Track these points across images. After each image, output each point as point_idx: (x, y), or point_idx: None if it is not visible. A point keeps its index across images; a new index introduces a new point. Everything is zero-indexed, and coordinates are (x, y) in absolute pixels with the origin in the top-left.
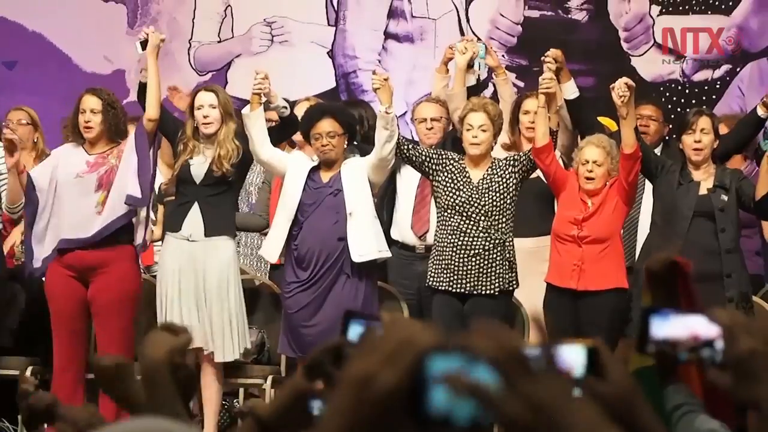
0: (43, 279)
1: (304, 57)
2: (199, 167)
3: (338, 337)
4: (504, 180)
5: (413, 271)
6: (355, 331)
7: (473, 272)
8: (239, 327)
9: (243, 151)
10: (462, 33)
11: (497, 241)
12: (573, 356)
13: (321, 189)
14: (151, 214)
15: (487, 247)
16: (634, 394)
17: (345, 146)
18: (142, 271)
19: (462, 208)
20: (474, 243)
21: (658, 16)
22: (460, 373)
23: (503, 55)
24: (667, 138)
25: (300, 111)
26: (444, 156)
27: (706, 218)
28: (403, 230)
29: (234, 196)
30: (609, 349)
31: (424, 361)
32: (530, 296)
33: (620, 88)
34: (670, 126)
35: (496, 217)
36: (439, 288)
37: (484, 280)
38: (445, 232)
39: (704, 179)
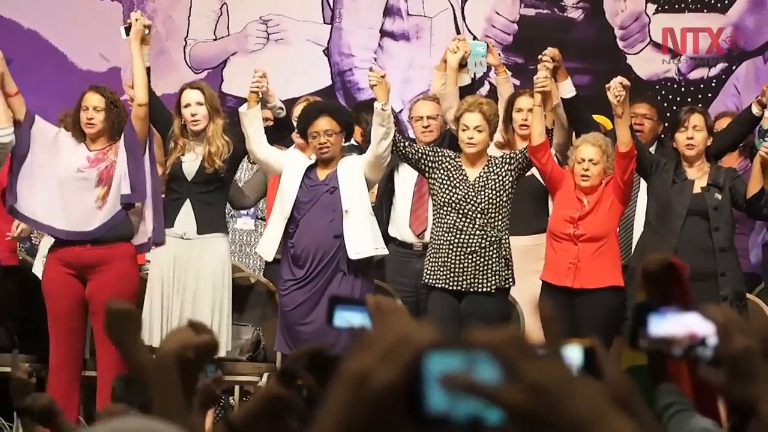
0: (40, 278)
1: (299, 55)
2: (190, 164)
3: (327, 328)
4: (500, 178)
5: (411, 268)
6: (341, 318)
7: (470, 270)
8: (228, 324)
9: (233, 147)
10: (458, 31)
11: (493, 239)
12: (569, 355)
13: (317, 187)
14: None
15: (483, 245)
16: (631, 393)
17: (342, 144)
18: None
19: (458, 206)
20: (470, 240)
21: (653, 14)
22: (458, 374)
23: (499, 53)
24: (662, 136)
25: (298, 110)
26: (440, 153)
27: (700, 217)
28: (401, 228)
29: (225, 193)
30: (605, 347)
31: (422, 358)
32: (525, 294)
33: (616, 88)
34: (665, 124)
35: (493, 215)
36: (436, 285)
37: (480, 277)
38: (441, 229)
39: (698, 177)
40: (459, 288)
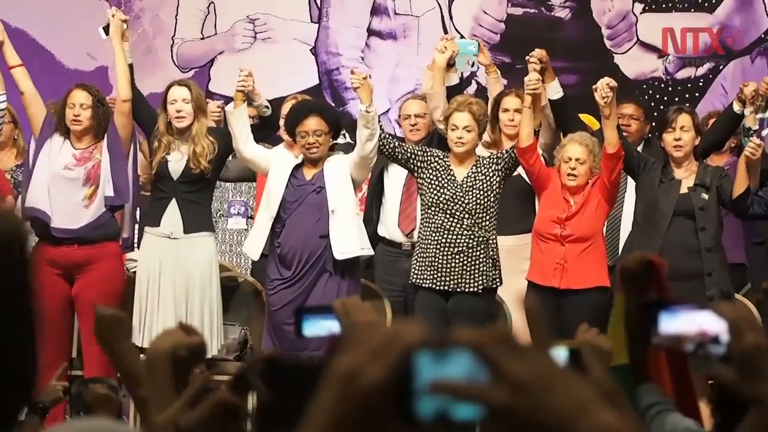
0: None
1: (287, 54)
2: (176, 164)
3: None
4: (488, 178)
5: (399, 268)
6: (309, 328)
7: (457, 270)
8: (219, 323)
9: (218, 147)
10: (445, 30)
11: (481, 239)
12: (555, 356)
13: (304, 186)
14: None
15: (470, 245)
16: (616, 392)
17: (337, 143)
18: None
19: (446, 206)
20: (458, 240)
21: (641, 13)
22: (444, 377)
23: None
24: (649, 136)
25: (286, 109)
26: (429, 153)
27: (687, 217)
28: (390, 227)
29: (211, 192)
30: (591, 348)
31: (411, 357)
32: (511, 294)
33: (603, 89)
34: (652, 124)
35: (480, 215)
36: (423, 285)
37: (467, 277)
38: (429, 229)
39: (686, 177)
40: (446, 288)
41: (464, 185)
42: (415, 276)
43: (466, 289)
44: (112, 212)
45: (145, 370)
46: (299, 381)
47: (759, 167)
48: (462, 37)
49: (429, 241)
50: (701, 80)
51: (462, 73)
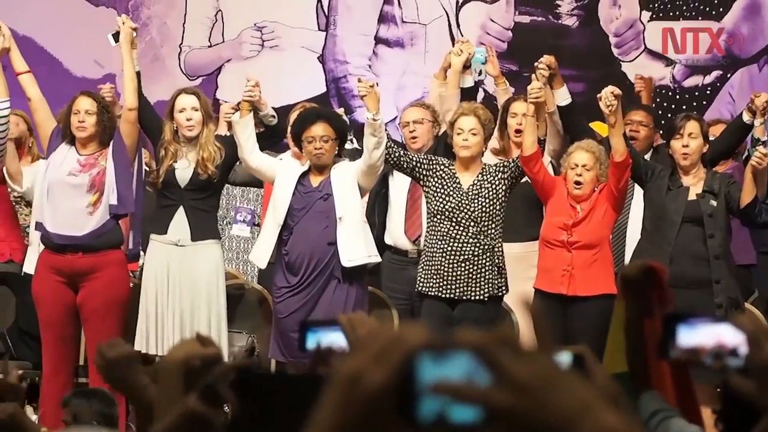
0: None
1: (294, 62)
2: (183, 171)
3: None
4: (494, 186)
5: (406, 276)
6: (313, 341)
7: (462, 278)
8: (225, 330)
9: (224, 153)
10: (452, 38)
11: (486, 247)
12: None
13: (311, 193)
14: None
15: (476, 253)
16: (618, 397)
17: (336, 152)
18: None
19: (452, 214)
20: (463, 249)
21: (648, 21)
22: (447, 379)
23: None
24: (657, 144)
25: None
26: (434, 162)
27: (695, 224)
28: (395, 235)
29: (218, 199)
30: (597, 355)
31: (413, 360)
32: (518, 301)
33: (607, 98)
34: (661, 132)
35: (486, 223)
36: (429, 293)
37: (473, 285)
38: (434, 237)
39: (694, 184)
40: (452, 296)
41: (470, 193)
42: (421, 284)
43: (472, 297)
44: (116, 220)
45: (155, 377)
46: (271, 391)
47: (766, 176)
48: (481, 44)
49: (435, 249)
50: (708, 88)
51: (474, 80)
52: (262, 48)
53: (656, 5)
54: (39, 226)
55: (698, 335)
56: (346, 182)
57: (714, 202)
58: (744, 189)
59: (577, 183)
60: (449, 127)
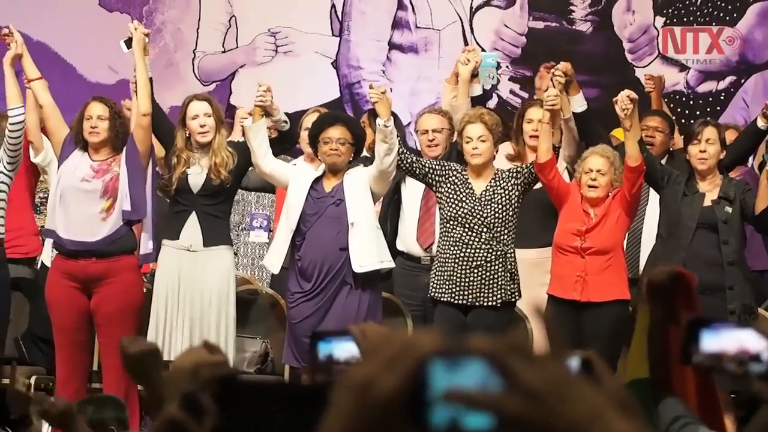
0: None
1: (308, 67)
2: (196, 177)
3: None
4: (506, 192)
5: (418, 282)
6: (324, 352)
7: (475, 284)
8: (233, 337)
9: (237, 158)
10: (466, 43)
11: (499, 253)
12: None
13: (323, 199)
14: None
15: (489, 259)
16: (628, 403)
17: (351, 158)
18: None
19: (465, 220)
20: (476, 254)
21: (662, 27)
22: (459, 388)
23: (507, 66)
24: (672, 150)
25: (309, 121)
26: (447, 167)
27: (710, 230)
28: (408, 242)
29: (229, 206)
30: (612, 361)
31: (425, 367)
32: (530, 308)
33: (623, 101)
34: (682, 136)
35: (499, 229)
36: (442, 299)
37: (486, 291)
38: (447, 243)
39: (710, 190)
40: (465, 302)
41: (483, 199)
42: (434, 290)
43: (485, 303)
44: (129, 226)
45: (165, 385)
46: (256, 403)
47: None
48: (483, 50)
49: (447, 255)
50: (722, 94)
51: (483, 86)
52: (276, 53)
53: (670, 11)
54: (51, 233)
55: (721, 341)
56: (359, 188)
57: (729, 209)
58: (759, 196)
59: (592, 186)
60: (458, 135)
